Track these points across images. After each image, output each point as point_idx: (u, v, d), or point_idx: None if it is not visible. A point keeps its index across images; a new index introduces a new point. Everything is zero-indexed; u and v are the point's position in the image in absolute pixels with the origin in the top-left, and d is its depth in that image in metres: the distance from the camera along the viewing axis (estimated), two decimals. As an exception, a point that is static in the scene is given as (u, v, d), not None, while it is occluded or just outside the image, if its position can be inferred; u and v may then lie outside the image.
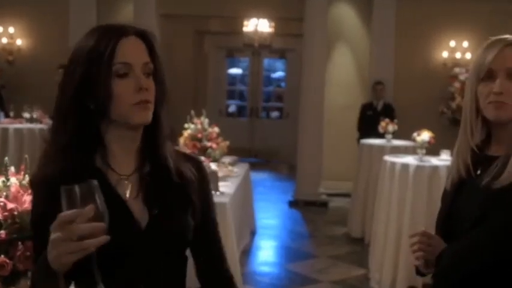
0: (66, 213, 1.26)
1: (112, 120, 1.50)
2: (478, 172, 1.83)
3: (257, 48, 12.02)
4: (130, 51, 1.48)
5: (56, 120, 1.52)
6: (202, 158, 5.43)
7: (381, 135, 7.52)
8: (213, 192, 5.16)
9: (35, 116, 7.92)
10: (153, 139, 1.57)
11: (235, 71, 15.02)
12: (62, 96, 1.50)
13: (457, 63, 9.13)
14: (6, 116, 8.47)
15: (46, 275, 1.34)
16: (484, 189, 1.74)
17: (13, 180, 2.00)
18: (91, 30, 1.51)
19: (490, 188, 1.72)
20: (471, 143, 1.84)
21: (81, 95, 1.46)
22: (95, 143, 1.50)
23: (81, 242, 1.26)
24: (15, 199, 1.96)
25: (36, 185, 1.53)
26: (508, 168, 1.70)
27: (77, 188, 1.27)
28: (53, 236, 1.28)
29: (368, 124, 8.25)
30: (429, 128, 5.98)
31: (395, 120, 7.57)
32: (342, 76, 10.03)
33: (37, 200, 1.53)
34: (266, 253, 6.72)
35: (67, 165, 1.46)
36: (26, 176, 2.01)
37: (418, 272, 1.98)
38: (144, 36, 1.53)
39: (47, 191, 1.43)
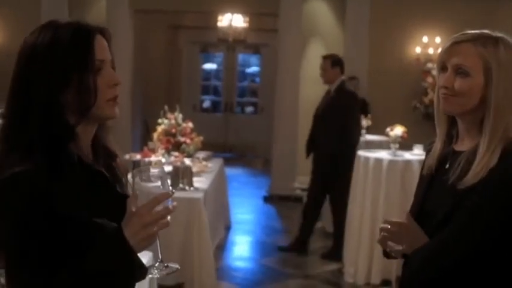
0: (150, 202, 1.48)
1: (83, 115, 1.48)
2: (447, 166, 1.85)
3: (231, 43, 12.01)
4: (102, 48, 1.51)
5: (19, 117, 1.47)
6: (176, 154, 5.42)
7: (355, 130, 7.54)
8: (187, 187, 5.15)
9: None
10: (105, 134, 1.62)
11: (209, 66, 14.99)
12: (30, 91, 1.46)
13: (429, 59, 9.20)
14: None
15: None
16: (450, 189, 1.77)
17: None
18: (50, 26, 1.49)
19: (455, 188, 1.75)
20: (439, 136, 1.90)
21: (56, 90, 1.45)
22: (68, 137, 1.48)
23: (159, 224, 1.50)
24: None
25: (27, 184, 1.40)
26: (473, 169, 1.72)
27: (152, 171, 1.52)
28: (133, 223, 1.43)
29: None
30: (402, 123, 6.02)
31: (369, 115, 7.61)
32: (317, 71, 9.96)
33: (31, 200, 1.40)
34: (241, 248, 6.72)
35: (49, 161, 1.42)
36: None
37: (385, 254, 2.00)
38: (105, 33, 1.55)
39: (38, 189, 1.39)
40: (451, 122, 1.89)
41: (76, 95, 1.45)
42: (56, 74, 1.44)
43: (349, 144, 6.06)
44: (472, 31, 1.80)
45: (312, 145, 6.42)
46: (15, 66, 1.50)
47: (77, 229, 1.42)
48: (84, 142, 1.53)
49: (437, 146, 1.91)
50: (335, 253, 6.10)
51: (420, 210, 1.90)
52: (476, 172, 1.71)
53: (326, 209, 7.48)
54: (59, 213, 1.39)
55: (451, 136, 1.90)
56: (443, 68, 1.82)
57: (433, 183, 1.90)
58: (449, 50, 1.80)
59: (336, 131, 6.01)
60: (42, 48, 1.46)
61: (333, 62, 6.21)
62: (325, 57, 6.35)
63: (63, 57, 1.44)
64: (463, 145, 1.84)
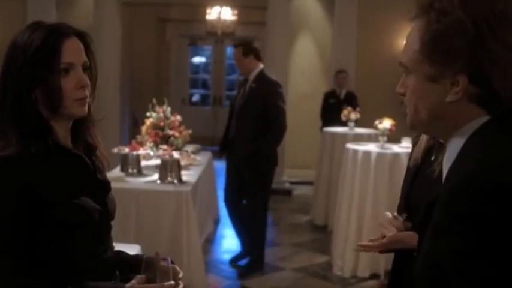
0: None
1: (55, 111, 1.62)
2: (432, 158, 1.86)
3: (220, 36, 11.96)
4: (73, 51, 1.64)
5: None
6: (165, 147, 5.40)
7: (344, 123, 7.57)
8: (175, 181, 5.13)
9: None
10: (85, 128, 1.75)
11: (198, 59, 14.95)
12: (6, 86, 1.61)
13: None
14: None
15: None
16: (436, 181, 1.76)
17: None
18: (32, 27, 1.64)
19: (440, 181, 1.75)
20: None
21: (26, 88, 1.60)
22: (42, 126, 1.63)
23: None
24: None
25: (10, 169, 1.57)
26: None
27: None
28: None
29: (331, 112, 8.29)
30: (391, 116, 6.04)
31: (358, 109, 7.62)
32: (305, 65, 10.05)
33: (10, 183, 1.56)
34: (229, 241, 6.72)
35: (25, 147, 1.58)
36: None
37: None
38: (82, 36, 1.69)
39: (18, 173, 1.56)
40: None
41: (44, 93, 1.60)
42: (26, 72, 1.59)
43: (270, 142, 5.45)
44: None
45: (227, 143, 5.74)
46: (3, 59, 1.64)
47: (59, 210, 1.56)
48: (60, 135, 1.66)
49: (423, 138, 1.92)
50: (255, 266, 5.66)
51: (407, 202, 1.91)
52: None
53: (314, 202, 7.51)
54: (38, 195, 1.54)
55: None
56: None
57: (419, 175, 1.91)
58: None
59: (256, 127, 5.38)
60: (18, 47, 1.61)
61: (244, 51, 5.52)
62: (236, 46, 5.73)
63: (32, 58, 1.59)
64: None
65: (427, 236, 1.17)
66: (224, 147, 5.80)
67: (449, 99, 1.16)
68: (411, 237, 1.79)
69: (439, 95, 1.17)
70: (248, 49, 5.57)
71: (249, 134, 5.39)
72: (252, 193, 5.59)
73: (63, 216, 1.57)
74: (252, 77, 5.52)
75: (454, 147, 1.19)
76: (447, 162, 1.19)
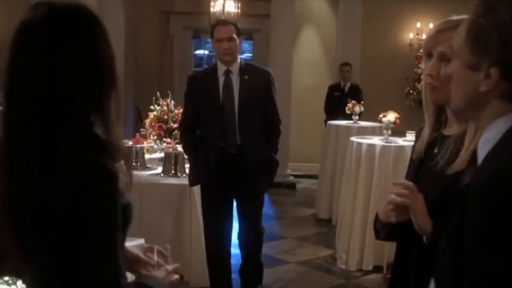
0: None
1: None
2: (435, 151, 1.87)
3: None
4: None
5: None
6: (168, 140, 5.39)
7: (348, 117, 7.54)
8: (178, 174, 5.12)
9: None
10: None
11: (201, 52, 14.92)
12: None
13: (423, 45, 9.18)
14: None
15: None
16: (439, 173, 1.80)
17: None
18: None
19: (444, 173, 1.78)
20: (428, 122, 1.93)
21: None
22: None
23: None
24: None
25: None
26: (461, 155, 1.76)
27: None
28: None
29: (335, 105, 8.27)
30: (395, 109, 6.02)
31: (362, 102, 7.60)
32: (309, 57, 10.02)
33: None
34: (233, 234, 6.71)
35: None
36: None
37: (377, 235, 1.99)
38: None
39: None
40: (439, 107, 1.91)
41: None
42: None
43: (276, 145, 4.52)
44: (456, 17, 1.81)
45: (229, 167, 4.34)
46: None
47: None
48: None
49: (426, 131, 1.94)
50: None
51: None
52: (464, 158, 1.74)
53: (318, 195, 7.50)
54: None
55: (439, 121, 1.93)
56: (429, 55, 1.85)
57: (422, 167, 1.92)
58: (434, 38, 1.84)
59: (262, 131, 4.41)
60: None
61: (238, 30, 4.35)
62: (224, 24, 4.45)
63: None
64: (451, 130, 1.87)
65: (454, 222, 1.24)
66: (227, 177, 4.30)
67: (482, 89, 1.25)
68: (425, 214, 1.76)
69: (474, 83, 1.26)
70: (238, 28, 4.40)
71: (258, 139, 4.33)
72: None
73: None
74: (236, 66, 4.32)
75: (491, 134, 1.26)
76: (482, 147, 1.26)
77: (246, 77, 4.29)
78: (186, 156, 4.66)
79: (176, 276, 1.68)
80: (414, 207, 1.76)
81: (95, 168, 1.39)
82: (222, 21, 4.60)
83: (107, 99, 1.48)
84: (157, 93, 5.85)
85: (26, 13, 1.46)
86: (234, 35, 4.24)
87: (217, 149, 4.23)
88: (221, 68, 4.30)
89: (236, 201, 4.55)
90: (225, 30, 4.25)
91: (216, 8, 11.15)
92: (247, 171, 4.25)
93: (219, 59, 4.34)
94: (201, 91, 4.33)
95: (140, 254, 1.67)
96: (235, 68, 4.30)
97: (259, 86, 4.33)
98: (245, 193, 4.40)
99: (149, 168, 5.07)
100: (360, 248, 5.45)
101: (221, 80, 4.30)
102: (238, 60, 4.35)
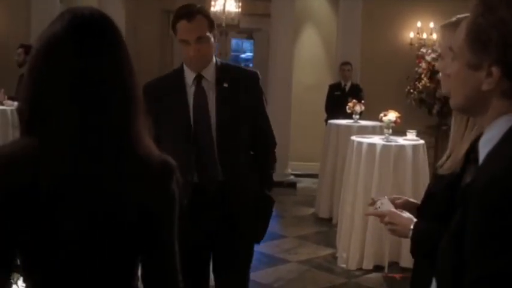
0: None
1: None
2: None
3: (224, 28, 11.93)
4: None
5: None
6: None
7: (349, 116, 7.55)
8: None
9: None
10: None
11: (202, 51, 14.95)
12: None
13: (423, 44, 9.18)
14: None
15: None
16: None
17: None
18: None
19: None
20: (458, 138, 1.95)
21: None
22: None
23: None
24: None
25: None
26: (451, 158, 1.77)
27: None
28: None
29: (336, 104, 8.27)
30: (396, 108, 6.02)
31: (363, 101, 7.60)
32: (309, 56, 10.02)
33: None
34: None
35: None
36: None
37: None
38: None
39: None
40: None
41: None
42: None
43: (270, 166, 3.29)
44: (462, 15, 1.81)
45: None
46: None
47: None
48: None
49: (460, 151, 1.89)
50: None
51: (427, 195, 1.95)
52: (458, 157, 1.80)
53: (319, 194, 7.50)
54: None
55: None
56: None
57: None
58: (441, 35, 1.89)
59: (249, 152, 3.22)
60: (46, 37, 1.54)
61: (211, 23, 2.96)
62: (201, 13, 3.04)
63: None
64: None
65: (455, 222, 1.24)
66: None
67: (484, 87, 1.24)
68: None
69: (475, 82, 1.26)
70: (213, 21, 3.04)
71: (246, 172, 3.09)
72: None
73: None
74: (211, 70, 3.01)
75: (492, 133, 1.26)
76: (484, 146, 1.27)
77: (225, 84, 3.00)
78: None
79: None
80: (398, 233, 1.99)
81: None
82: (187, 13, 2.94)
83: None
84: (158, 92, 5.86)
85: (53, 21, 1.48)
86: (207, 33, 2.92)
87: (189, 188, 2.84)
88: (189, 74, 3.00)
89: (215, 267, 3.17)
90: (192, 29, 2.89)
91: (216, 7, 11.14)
92: (233, 218, 3.06)
93: (185, 63, 3.03)
94: (161, 108, 2.89)
95: None
96: (209, 73, 2.99)
97: (245, 95, 3.05)
98: (229, 252, 3.12)
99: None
100: (361, 247, 5.45)
101: (190, 91, 3.00)
102: (214, 60, 3.01)
